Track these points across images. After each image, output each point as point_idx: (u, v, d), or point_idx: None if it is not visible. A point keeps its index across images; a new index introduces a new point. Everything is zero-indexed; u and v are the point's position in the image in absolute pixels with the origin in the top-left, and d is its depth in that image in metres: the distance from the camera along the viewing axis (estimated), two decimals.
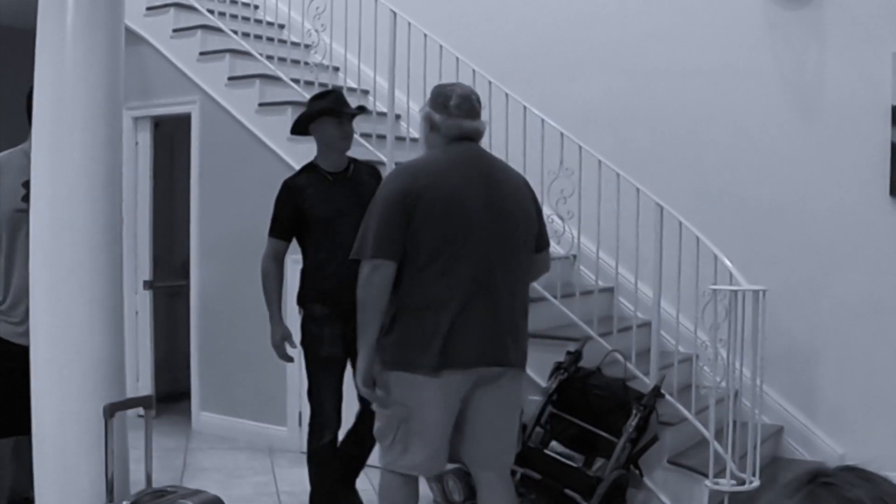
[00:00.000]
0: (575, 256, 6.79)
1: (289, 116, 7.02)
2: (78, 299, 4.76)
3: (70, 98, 5.07)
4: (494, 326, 4.19)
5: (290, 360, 5.54)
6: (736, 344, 5.48)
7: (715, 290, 5.54)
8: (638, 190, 6.06)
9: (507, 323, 4.24)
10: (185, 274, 7.95)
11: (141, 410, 5.52)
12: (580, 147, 6.30)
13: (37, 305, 4.78)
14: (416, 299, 4.13)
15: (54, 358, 4.65)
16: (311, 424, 5.34)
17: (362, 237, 4.14)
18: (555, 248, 6.44)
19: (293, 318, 5.62)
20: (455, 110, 4.27)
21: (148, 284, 8.05)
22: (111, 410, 4.17)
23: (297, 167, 6.50)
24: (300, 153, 6.70)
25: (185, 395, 7.97)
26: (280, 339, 5.41)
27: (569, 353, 5.75)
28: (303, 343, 5.31)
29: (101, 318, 4.79)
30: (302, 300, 5.30)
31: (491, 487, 4.37)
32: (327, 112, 5.28)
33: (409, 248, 4.09)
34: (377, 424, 4.32)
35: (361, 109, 5.53)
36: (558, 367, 5.71)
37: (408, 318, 4.14)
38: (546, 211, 6.38)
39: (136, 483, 4.54)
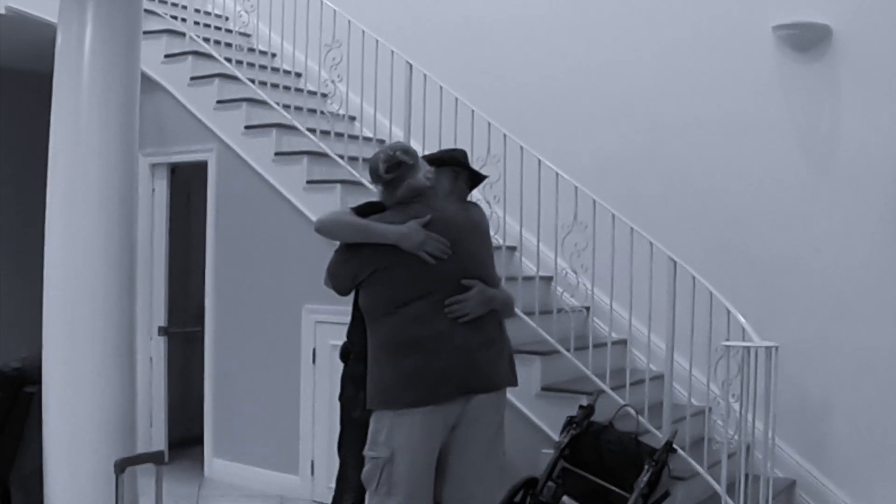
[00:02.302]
0: (588, 308, 6.80)
1: (304, 166, 7.10)
2: (90, 355, 4.77)
3: (85, 145, 5.10)
4: (469, 356, 4.29)
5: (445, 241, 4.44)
6: (748, 398, 5.45)
7: (728, 347, 5.53)
8: (651, 244, 6.05)
9: (482, 350, 4.34)
10: (200, 320, 7.93)
11: None
12: (594, 201, 6.29)
13: (50, 360, 4.80)
14: (393, 340, 4.26)
15: (67, 413, 4.66)
16: (337, 481, 5.35)
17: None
18: (569, 300, 6.51)
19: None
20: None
21: (163, 330, 8.03)
22: (122, 466, 4.19)
23: (313, 217, 6.59)
24: (316, 203, 6.84)
25: (198, 440, 7.92)
26: (416, 229, 4.35)
27: (581, 407, 5.73)
28: (340, 398, 5.29)
29: (114, 373, 4.81)
30: (345, 356, 5.26)
31: None
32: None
33: (381, 295, 4.28)
34: (364, 469, 4.37)
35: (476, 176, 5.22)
36: (570, 422, 5.69)
37: (385, 359, 4.27)
38: (561, 264, 6.46)
39: None
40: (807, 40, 6.77)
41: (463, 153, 5.10)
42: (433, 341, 4.24)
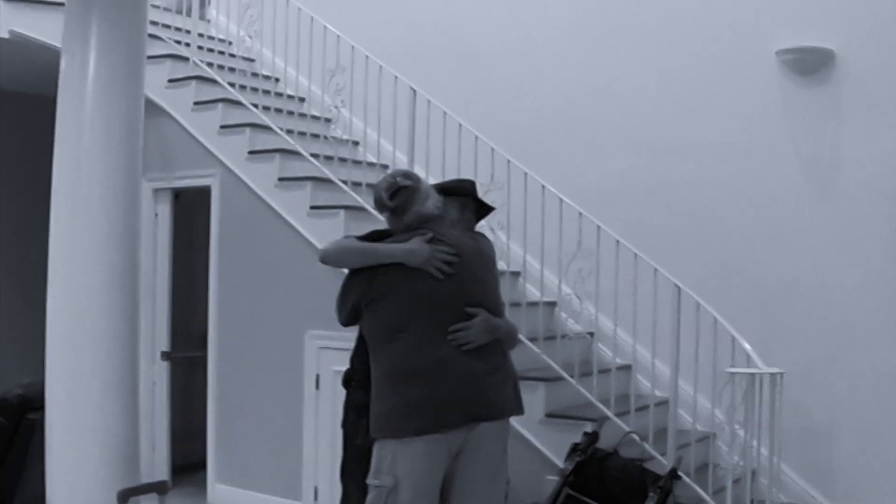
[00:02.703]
0: (592, 334, 6.79)
1: (308, 192, 7.06)
2: (93, 382, 4.75)
3: (88, 169, 5.09)
4: (474, 384, 4.25)
5: (452, 254, 4.35)
6: (753, 424, 5.45)
7: (733, 374, 5.52)
8: (655, 270, 6.05)
9: (487, 377, 4.30)
10: (204, 345, 7.89)
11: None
12: (598, 227, 6.29)
13: (52, 387, 4.78)
14: (396, 368, 4.24)
15: (69, 441, 4.64)
16: None
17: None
18: (573, 326, 6.49)
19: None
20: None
21: (165, 355, 8.01)
22: (124, 496, 4.17)
23: (317, 243, 6.63)
24: (320, 229, 6.83)
25: (201, 465, 7.87)
26: (420, 244, 4.30)
27: (586, 434, 5.74)
28: (343, 425, 5.26)
29: (117, 401, 4.79)
30: (347, 383, 5.24)
31: None
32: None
33: (383, 320, 4.25)
34: (368, 497, 4.33)
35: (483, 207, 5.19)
36: (575, 449, 5.69)
37: (389, 386, 4.24)
38: (565, 290, 6.45)
39: None
40: (810, 64, 6.78)
41: (472, 184, 5.10)
42: (437, 368, 4.21)
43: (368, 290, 4.30)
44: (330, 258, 4.51)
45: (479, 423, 4.26)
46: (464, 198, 4.95)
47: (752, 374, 5.43)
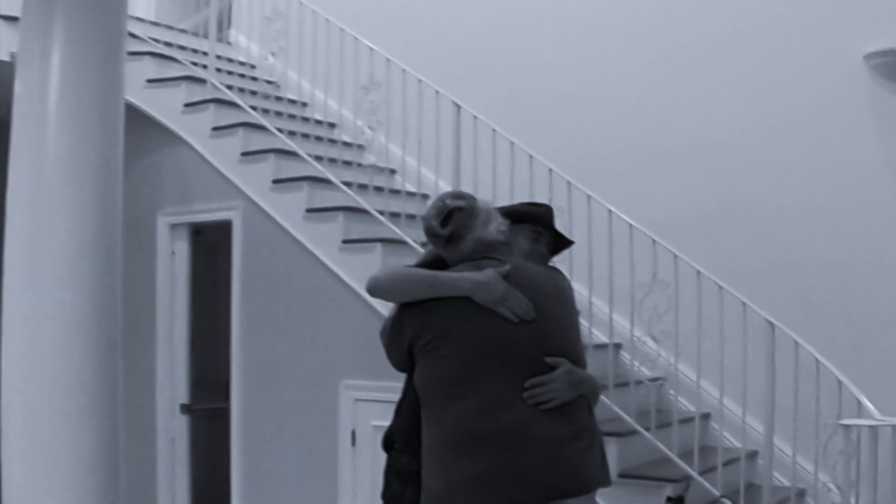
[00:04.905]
0: (662, 379, 6.26)
1: (340, 224, 6.63)
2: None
3: (50, 202, 4.61)
4: (557, 453, 3.54)
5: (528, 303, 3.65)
6: (872, 484, 4.83)
7: (847, 427, 4.75)
8: (745, 304, 5.45)
9: (572, 443, 3.59)
10: (227, 395, 7.48)
11: None
12: (675, 255, 5.69)
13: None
14: (460, 432, 3.53)
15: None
16: None
17: None
18: (643, 371, 5.86)
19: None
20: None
21: (185, 408, 7.62)
22: None
23: (350, 280, 6.35)
24: (354, 265, 6.45)
25: None
26: (496, 279, 3.62)
27: (669, 499, 4.94)
28: (383, 496, 4.51)
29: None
30: (389, 445, 4.47)
31: None
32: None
33: (443, 370, 3.56)
34: None
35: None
36: None
37: (451, 456, 3.54)
38: (636, 332, 5.78)
39: None
40: None
41: (548, 210, 4.28)
42: (512, 434, 3.47)
43: (424, 331, 3.55)
44: (381, 288, 3.75)
45: (562, 501, 3.47)
46: (537, 226, 4.14)
47: (874, 427, 4.64)
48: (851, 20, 6.56)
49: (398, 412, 4.31)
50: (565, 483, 3.50)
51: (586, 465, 3.60)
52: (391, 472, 4.37)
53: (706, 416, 6.26)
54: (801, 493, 5.94)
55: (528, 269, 3.69)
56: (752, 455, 6.01)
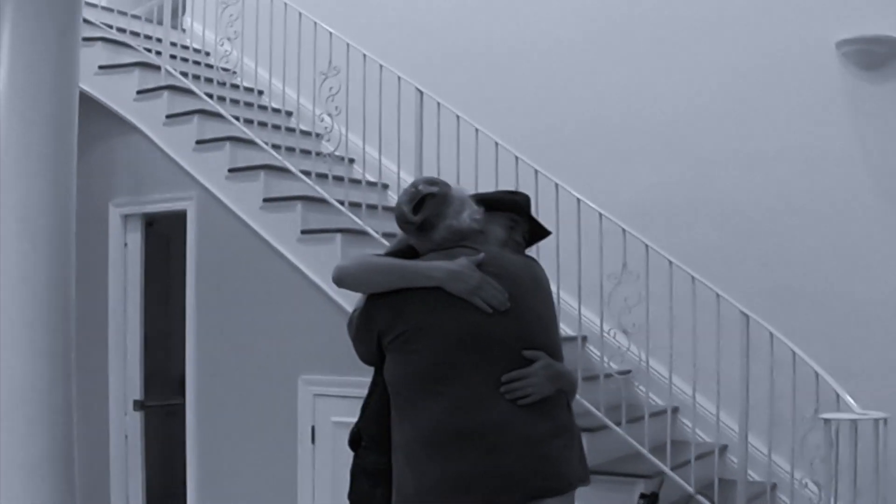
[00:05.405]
0: (629, 372, 6.17)
1: (298, 213, 6.47)
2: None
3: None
4: (538, 450, 3.38)
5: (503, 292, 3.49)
6: (852, 480, 4.71)
7: (827, 421, 4.63)
8: (718, 296, 5.34)
9: (552, 440, 3.44)
10: (182, 391, 7.32)
11: None
12: (646, 245, 5.55)
13: None
14: (437, 431, 3.37)
15: None
16: None
17: None
18: (609, 364, 5.75)
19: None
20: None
21: (139, 405, 7.44)
22: None
23: (309, 272, 6.23)
24: (313, 256, 6.32)
25: None
26: (469, 267, 3.45)
27: (643, 496, 4.80)
28: (350, 496, 4.32)
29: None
30: (356, 443, 4.27)
31: None
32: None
33: (416, 365, 3.40)
34: None
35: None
36: None
37: (426, 455, 3.38)
38: (607, 325, 5.66)
39: None
40: (875, 56, 6.33)
41: (525, 198, 4.09)
42: (491, 433, 3.29)
43: (395, 323, 3.37)
44: (347, 278, 3.54)
45: (543, 500, 3.30)
46: (513, 215, 3.95)
47: (854, 421, 4.53)
48: (823, 7, 6.50)
49: (365, 408, 4.11)
50: (545, 482, 3.34)
51: (566, 463, 3.43)
52: (358, 471, 4.17)
53: (676, 410, 6.10)
54: (773, 488, 5.82)
55: (504, 258, 3.51)
56: (723, 449, 5.91)
